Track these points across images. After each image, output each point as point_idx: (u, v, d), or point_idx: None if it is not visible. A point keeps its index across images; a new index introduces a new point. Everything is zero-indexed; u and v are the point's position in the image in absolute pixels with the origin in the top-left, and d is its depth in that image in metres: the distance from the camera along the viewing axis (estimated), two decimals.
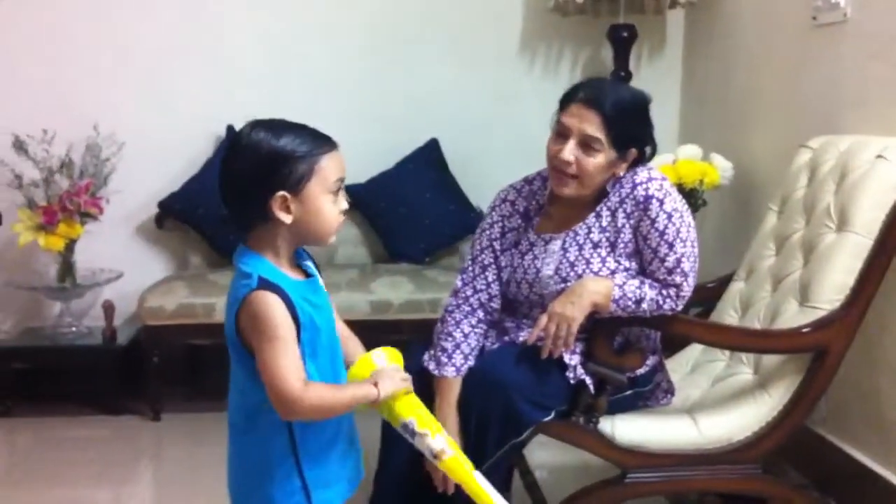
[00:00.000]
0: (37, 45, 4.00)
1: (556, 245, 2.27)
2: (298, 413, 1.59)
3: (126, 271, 3.88)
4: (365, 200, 4.07)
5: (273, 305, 1.56)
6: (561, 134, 2.21)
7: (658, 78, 4.11)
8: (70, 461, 3.27)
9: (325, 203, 1.62)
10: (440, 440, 1.76)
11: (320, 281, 1.73)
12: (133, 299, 3.74)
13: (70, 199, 3.65)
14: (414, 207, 4.02)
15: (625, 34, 3.97)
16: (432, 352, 2.26)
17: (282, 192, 1.57)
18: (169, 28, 4.06)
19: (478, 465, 2.16)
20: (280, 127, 1.62)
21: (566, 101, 2.22)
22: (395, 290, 3.66)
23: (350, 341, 1.86)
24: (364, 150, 4.14)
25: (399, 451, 2.19)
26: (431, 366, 2.23)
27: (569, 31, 4.21)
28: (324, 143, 1.63)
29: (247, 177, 1.59)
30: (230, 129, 4.02)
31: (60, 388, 3.92)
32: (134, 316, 3.85)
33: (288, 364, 1.56)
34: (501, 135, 4.22)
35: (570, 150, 2.18)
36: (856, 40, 2.82)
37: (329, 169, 1.61)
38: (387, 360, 1.77)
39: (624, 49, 4.00)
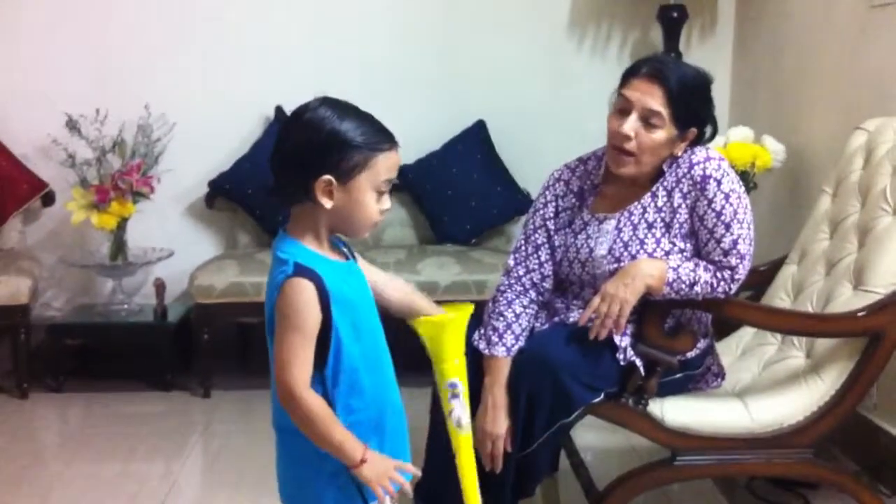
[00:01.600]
0: (90, 25, 4.06)
1: (610, 225, 2.26)
2: (293, 409, 1.55)
3: (177, 250, 3.94)
4: (412, 181, 4.08)
5: (305, 294, 1.54)
6: (622, 110, 2.19)
7: (708, 59, 4.04)
8: (122, 436, 3.32)
9: (369, 199, 1.58)
10: (467, 414, 1.79)
11: (358, 263, 1.71)
12: (183, 278, 3.79)
13: (122, 178, 3.70)
14: (461, 189, 4.02)
15: (675, 14, 3.93)
16: (482, 331, 2.26)
17: (328, 177, 1.54)
18: (220, 9, 4.10)
19: (526, 445, 2.18)
20: (347, 110, 1.58)
21: (628, 76, 2.21)
22: (442, 272, 3.66)
23: (414, 296, 1.83)
24: (412, 131, 4.10)
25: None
26: (482, 345, 2.24)
27: (618, 11, 4.18)
28: (386, 139, 1.58)
29: (299, 152, 1.56)
30: (279, 109, 4.06)
31: (112, 365, 3.99)
32: (184, 294, 3.91)
33: (302, 359, 1.54)
34: (549, 116, 4.20)
35: (630, 125, 2.16)
36: None
37: (383, 167, 1.57)
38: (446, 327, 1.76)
39: (674, 29, 3.96)
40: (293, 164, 1.57)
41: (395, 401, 1.73)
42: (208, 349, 3.67)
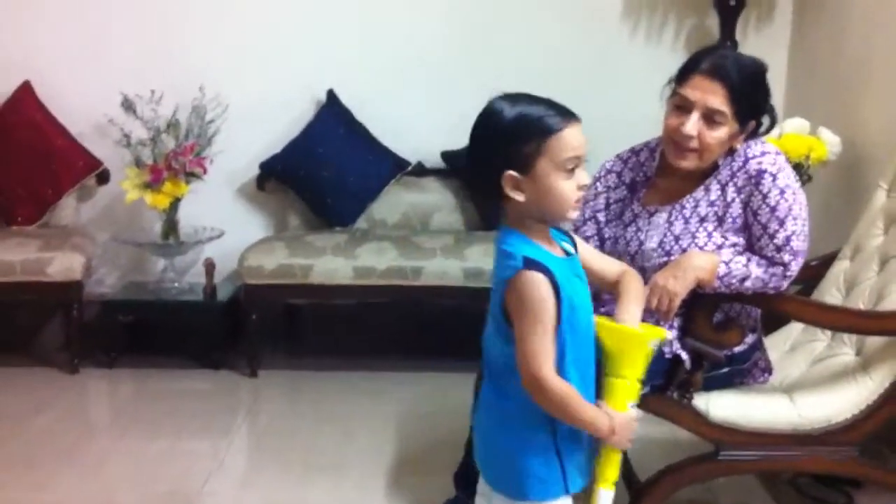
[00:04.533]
0: (146, 6, 4.10)
1: (661, 218, 2.24)
2: (543, 394, 1.58)
3: (227, 230, 3.98)
4: (461, 167, 4.07)
5: (540, 287, 1.54)
6: (681, 107, 2.15)
7: (765, 47, 3.97)
8: (171, 412, 3.39)
9: (557, 181, 1.56)
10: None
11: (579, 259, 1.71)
12: (233, 258, 3.83)
13: (176, 158, 3.75)
14: None
15: (732, 2, 3.87)
16: None
17: (510, 172, 1.54)
18: None
19: None
20: (517, 100, 1.58)
21: (686, 73, 2.16)
22: (488, 258, 3.64)
23: (628, 276, 1.82)
24: (461, 116, 4.09)
25: None
26: None
27: None
28: (559, 119, 1.56)
29: (481, 151, 1.60)
30: (330, 93, 4.08)
31: (162, 342, 4.05)
32: (234, 274, 3.95)
33: (548, 349, 1.56)
34: (602, 103, 4.11)
35: (693, 125, 2.12)
36: None
37: (559, 147, 1.54)
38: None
39: (731, 17, 3.91)
40: (479, 166, 1.60)
41: None
42: (256, 329, 3.72)
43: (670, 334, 1.71)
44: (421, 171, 4.18)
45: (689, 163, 2.18)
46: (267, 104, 4.11)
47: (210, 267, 3.91)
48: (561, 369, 1.59)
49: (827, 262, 2.75)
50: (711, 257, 2.14)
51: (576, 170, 1.58)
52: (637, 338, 1.69)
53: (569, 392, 1.58)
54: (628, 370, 1.70)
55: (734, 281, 2.14)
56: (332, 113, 4.09)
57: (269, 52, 4.14)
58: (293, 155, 4.02)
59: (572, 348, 1.61)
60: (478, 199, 1.59)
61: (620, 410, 1.67)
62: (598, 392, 1.70)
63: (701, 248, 2.17)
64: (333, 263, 3.63)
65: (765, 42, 4.05)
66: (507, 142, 1.55)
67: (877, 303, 2.39)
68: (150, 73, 3.96)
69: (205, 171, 3.83)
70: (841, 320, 2.32)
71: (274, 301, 3.79)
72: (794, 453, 2.26)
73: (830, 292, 2.63)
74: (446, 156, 4.12)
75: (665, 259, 2.19)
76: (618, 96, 4.04)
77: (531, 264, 1.55)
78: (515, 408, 1.64)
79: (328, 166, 3.99)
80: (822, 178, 3.49)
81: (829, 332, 2.52)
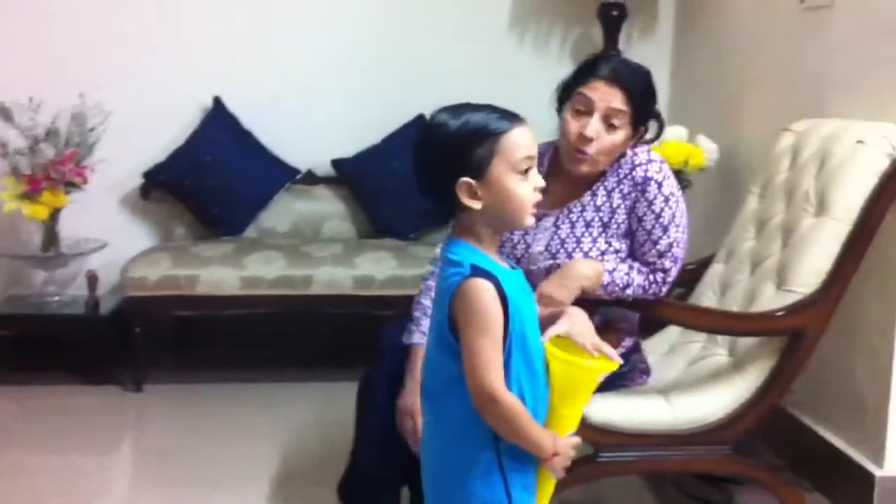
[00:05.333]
0: (25, 11, 3.97)
1: (548, 222, 2.26)
2: (493, 407, 1.52)
3: (110, 241, 3.87)
4: (352, 175, 4.08)
5: (486, 295, 1.51)
6: (581, 111, 2.17)
7: (648, 58, 3.96)
8: (54, 430, 3.28)
9: (513, 184, 1.54)
10: None
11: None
12: (117, 270, 3.72)
13: (55, 168, 3.64)
14: (400, 183, 3.99)
15: (615, 12, 3.95)
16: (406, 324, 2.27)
17: (465, 179, 1.52)
18: None
19: None
20: (458, 110, 1.56)
21: (584, 77, 2.18)
22: (379, 266, 3.65)
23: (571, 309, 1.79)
24: (352, 125, 4.14)
25: (377, 413, 2.23)
26: (404, 336, 2.24)
27: (560, 8, 4.20)
28: (506, 120, 1.55)
29: (431, 165, 1.56)
30: (217, 100, 4.02)
31: (43, 357, 3.92)
32: (117, 286, 3.85)
33: (495, 361, 1.51)
34: None
35: (594, 127, 2.14)
36: (842, 24, 2.82)
37: (511, 146, 1.54)
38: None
39: (614, 27, 3.98)
40: (430, 179, 1.57)
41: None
42: (141, 343, 3.62)
43: (615, 358, 1.72)
44: (311, 179, 4.15)
45: (586, 167, 2.19)
46: (151, 111, 4.02)
47: (92, 279, 3.80)
48: (507, 382, 1.55)
49: (705, 265, 2.83)
50: (596, 266, 2.18)
51: (529, 171, 1.57)
52: (590, 371, 1.63)
53: (518, 407, 1.54)
54: (575, 401, 1.66)
55: (617, 289, 2.18)
56: (219, 120, 4.03)
57: (154, 58, 4.06)
58: (178, 163, 3.95)
59: (520, 362, 1.57)
60: (435, 212, 1.56)
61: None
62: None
63: (586, 254, 2.21)
64: (220, 274, 3.57)
65: (647, 52, 4.13)
66: (457, 149, 1.52)
67: (749, 304, 2.46)
68: (29, 80, 3.82)
69: (85, 181, 3.72)
70: (714, 322, 2.40)
71: (159, 313, 3.70)
72: (671, 453, 2.31)
73: (707, 295, 2.70)
74: (337, 164, 4.11)
75: (550, 262, 2.22)
76: (506, 103, 4.05)
77: (478, 272, 1.52)
78: (458, 429, 1.59)
79: (215, 175, 3.92)
80: (701, 184, 3.59)
81: (704, 334, 2.58)
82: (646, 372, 2.43)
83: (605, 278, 2.16)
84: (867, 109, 2.61)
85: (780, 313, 2.26)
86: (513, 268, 1.64)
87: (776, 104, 3.24)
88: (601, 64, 2.18)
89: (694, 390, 2.33)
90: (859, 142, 2.39)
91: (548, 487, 1.69)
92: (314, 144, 4.11)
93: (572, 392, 1.63)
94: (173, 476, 2.92)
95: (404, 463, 2.15)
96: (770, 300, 2.37)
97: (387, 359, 2.27)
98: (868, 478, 2.55)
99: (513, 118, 1.56)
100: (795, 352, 2.27)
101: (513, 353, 1.55)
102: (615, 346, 2.23)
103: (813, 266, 2.33)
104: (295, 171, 4.10)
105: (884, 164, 2.34)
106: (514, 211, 1.56)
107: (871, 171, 2.34)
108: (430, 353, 1.65)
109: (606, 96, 2.14)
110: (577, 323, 1.74)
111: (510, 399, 1.53)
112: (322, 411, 3.34)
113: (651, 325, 2.67)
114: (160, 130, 4.04)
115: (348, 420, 2.36)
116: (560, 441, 1.61)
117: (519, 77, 4.10)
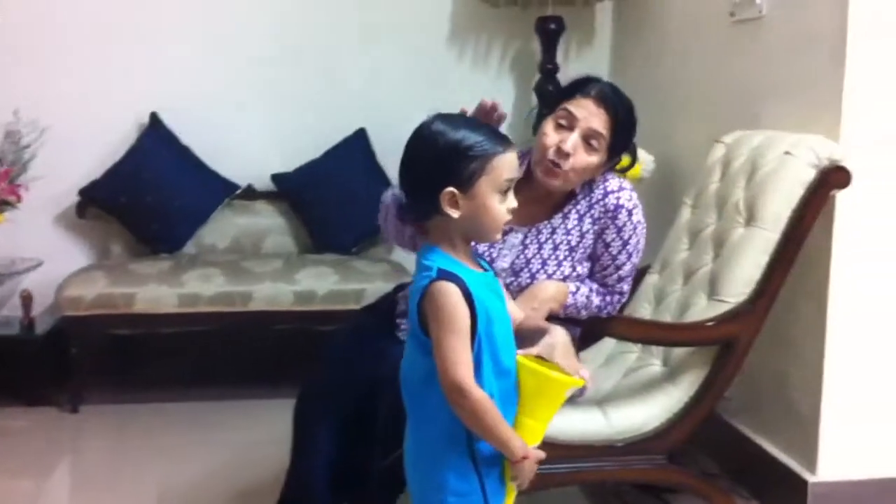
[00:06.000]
0: None
1: (516, 239, 2.25)
2: (463, 401, 1.59)
3: (46, 260, 3.80)
4: (292, 190, 4.06)
5: (451, 295, 1.59)
6: (562, 126, 2.16)
7: (586, 70, 3.95)
8: None
9: (493, 201, 1.64)
10: None
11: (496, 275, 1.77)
12: (53, 289, 3.66)
13: None
14: (341, 197, 3.99)
15: (552, 26, 3.99)
16: None
17: (451, 189, 1.60)
18: (93, 12, 3.99)
19: (390, 453, 2.17)
20: (459, 122, 1.65)
21: (572, 93, 2.17)
22: (320, 281, 3.63)
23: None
24: (292, 139, 4.13)
25: (322, 436, 2.22)
26: None
27: (498, 22, 4.23)
28: (499, 142, 1.64)
29: (421, 168, 1.64)
30: (153, 116, 3.98)
31: None
32: (53, 306, 3.78)
33: (465, 357, 1.60)
34: None
35: (572, 143, 2.13)
36: (770, 36, 2.87)
37: (501, 168, 1.63)
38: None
39: (552, 41, 4.02)
40: (418, 182, 1.66)
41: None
42: (77, 363, 3.56)
43: (589, 383, 1.77)
44: (251, 194, 4.12)
45: (557, 182, 2.17)
46: (87, 128, 3.97)
47: (27, 298, 3.73)
48: (477, 378, 1.62)
49: (641, 275, 2.85)
50: (562, 288, 2.21)
51: (508, 192, 1.66)
52: (558, 384, 1.69)
53: (487, 403, 1.61)
54: (541, 412, 1.71)
55: (575, 311, 2.23)
56: (156, 136, 3.99)
57: (89, 74, 4.01)
58: (115, 180, 3.89)
59: (490, 360, 1.65)
60: (409, 215, 1.66)
61: None
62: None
63: (549, 276, 2.22)
64: (157, 292, 3.52)
65: (585, 66, 4.17)
66: (453, 159, 1.61)
67: (682, 315, 2.49)
68: None
69: (19, 199, 3.65)
70: (648, 333, 2.43)
71: (96, 332, 3.64)
72: (606, 464, 2.32)
73: (642, 305, 2.73)
74: (277, 178, 4.08)
75: (512, 280, 2.22)
76: None
77: (444, 275, 1.61)
78: (436, 424, 1.67)
79: (153, 191, 3.87)
80: (638, 195, 3.62)
81: (639, 345, 2.60)
82: None
83: (569, 300, 2.21)
84: (795, 121, 2.65)
85: (710, 323, 2.29)
86: (486, 270, 1.73)
87: (709, 116, 3.29)
88: (591, 84, 2.18)
89: (629, 401, 2.34)
90: (787, 153, 2.42)
91: (508, 499, 1.73)
92: (254, 159, 4.09)
93: (538, 402, 1.70)
94: (111, 499, 2.87)
95: (345, 482, 2.15)
96: (702, 310, 2.40)
97: (329, 370, 2.27)
98: (801, 484, 2.59)
99: (507, 141, 1.66)
100: (727, 361, 2.29)
101: (482, 351, 1.64)
102: None
103: (744, 275, 2.36)
104: (234, 186, 4.07)
105: (810, 175, 2.38)
106: (488, 226, 1.66)
107: (798, 182, 2.37)
108: (408, 356, 1.73)
109: (591, 116, 2.14)
110: (559, 345, 1.85)
111: (479, 393, 1.60)
112: (263, 429, 3.29)
113: (589, 337, 2.68)
114: (96, 147, 3.99)
115: (288, 438, 2.34)
116: (529, 447, 1.68)
117: (460, 91, 4.13)
